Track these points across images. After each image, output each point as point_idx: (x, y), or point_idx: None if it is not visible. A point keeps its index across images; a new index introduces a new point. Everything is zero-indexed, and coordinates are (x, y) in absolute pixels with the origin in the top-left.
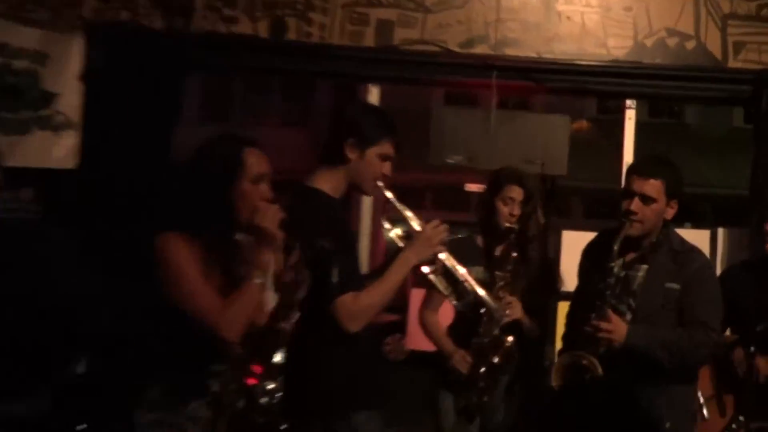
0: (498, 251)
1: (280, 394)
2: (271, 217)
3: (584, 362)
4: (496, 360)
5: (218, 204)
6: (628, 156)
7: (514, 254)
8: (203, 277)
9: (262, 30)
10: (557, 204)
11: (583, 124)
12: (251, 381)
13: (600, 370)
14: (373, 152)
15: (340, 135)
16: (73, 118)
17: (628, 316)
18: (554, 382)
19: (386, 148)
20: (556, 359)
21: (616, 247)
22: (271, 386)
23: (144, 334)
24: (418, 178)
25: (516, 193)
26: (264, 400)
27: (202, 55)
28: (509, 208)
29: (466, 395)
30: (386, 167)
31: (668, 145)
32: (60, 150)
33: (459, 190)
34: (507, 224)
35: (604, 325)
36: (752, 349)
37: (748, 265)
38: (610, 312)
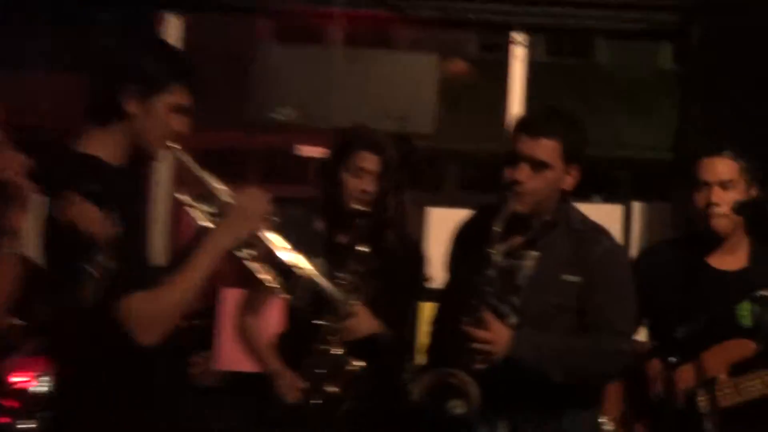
0: (342, 239)
1: None
2: (14, 166)
3: (453, 382)
4: (332, 389)
5: None
6: (516, 108)
7: (364, 248)
8: None
9: None
10: (421, 173)
11: (459, 65)
12: (3, 420)
13: (476, 391)
14: (161, 102)
15: (115, 82)
16: None
17: (513, 320)
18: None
19: (179, 96)
20: (416, 378)
21: (497, 229)
22: (29, 426)
23: None
24: (235, 139)
25: (370, 162)
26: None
27: None
28: (360, 183)
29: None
30: (181, 122)
31: (573, 94)
32: None
33: (291, 156)
34: (356, 205)
35: (480, 333)
36: (672, 359)
37: (672, 245)
38: (488, 315)
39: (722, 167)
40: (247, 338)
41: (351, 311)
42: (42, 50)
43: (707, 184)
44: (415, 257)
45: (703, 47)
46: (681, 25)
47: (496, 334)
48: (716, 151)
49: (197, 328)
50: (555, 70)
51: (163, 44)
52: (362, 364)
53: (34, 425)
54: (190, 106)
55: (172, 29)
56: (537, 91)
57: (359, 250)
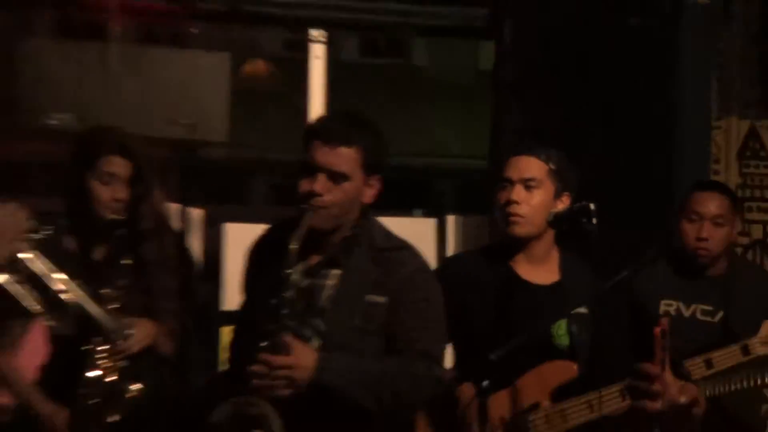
0: (99, 255)
1: None
2: None
3: (254, 411)
4: (113, 418)
5: None
6: (317, 112)
7: (127, 259)
8: None
9: None
10: (216, 184)
11: (260, 65)
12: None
13: (278, 421)
14: None
15: None
16: None
17: (316, 343)
18: None
19: None
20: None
21: (294, 246)
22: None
23: None
24: (11, 149)
25: (119, 166)
26: None
27: None
28: (110, 190)
29: None
30: None
31: (388, 98)
32: None
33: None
34: (110, 214)
35: (279, 359)
36: (485, 383)
37: (477, 255)
38: (290, 339)
39: (527, 166)
40: (7, 378)
41: (122, 331)
42: None
43: (510, 182)
44: (183, 267)
45: (516, 46)
46: (489, 21)
47: (299, 359)
48: (525, 150)
49: None
50: (369, 71)
51: None
52: (140, 386)
53: None
54: None
55: None
56: (346, 95)
57: (120, 264)
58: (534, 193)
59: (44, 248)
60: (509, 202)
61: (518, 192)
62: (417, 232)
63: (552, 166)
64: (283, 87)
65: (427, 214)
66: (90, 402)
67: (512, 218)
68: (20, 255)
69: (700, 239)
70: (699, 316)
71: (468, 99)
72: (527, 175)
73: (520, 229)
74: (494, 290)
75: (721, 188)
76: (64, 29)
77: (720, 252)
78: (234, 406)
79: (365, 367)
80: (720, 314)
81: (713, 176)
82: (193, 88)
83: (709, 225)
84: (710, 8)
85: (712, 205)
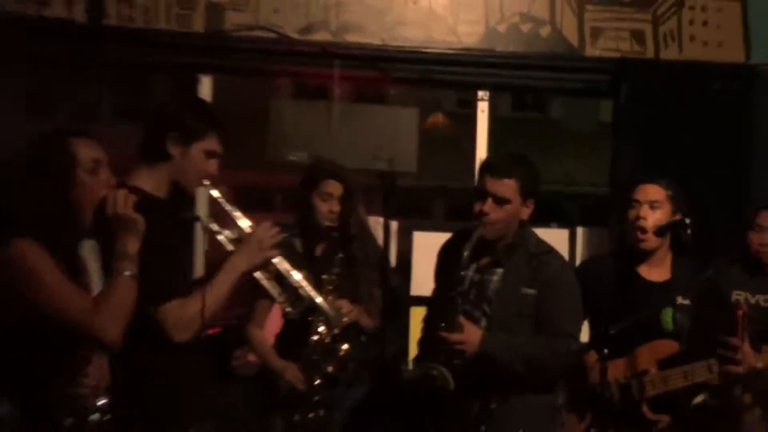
0: (319, 252)
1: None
2: (122, 201)
3: (434, 373)
4: (330, 370)
5: (58, 205)
6: (482, 152)
7: (340, 255)
8: (66, 281)
9: (78, 13)
10: (407, 203)
11: (439, 117)
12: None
13: (451, 381)
14: (197, 148)
15: (161, 129)
16: None
17: (483, 323)
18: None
19: (212, 143)
20: (410, 366)
21: (467, 253)
22: (102, 401)
23: None
24: (259, 177)
25: (334, 188)
26: (94, 417)
27: (10, 41)
28: (327, 205)
29: (301, 412)
30: (212, 165)
31: (532, 141)
32: None
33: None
34: (327, 222)
35: (454, 336)
36: (605, 351)
37: (608, 258)
38: (462, 320)
39: (652, 191)
40: (253, 344)
41: (334, 309)
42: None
43: (638, 203)
44: (378, 261)
45: (629, 103)
46: (611, 83)
47: (468, 336)
48: (649, 179)
49: (237, 326)
50: (519, 122)
51: (200, 101)
52: (347, 347)
53: (104, 400)
54: (221, 151)
55: (205, 87)
56: (504, 139)
57: (337, 256)
58: (656, 212)
59: (282, 249)
60: (638, 218)
61: (645, 210)
62: (554, 239)
63: (670, 192)
64: (456, 133)
65: (561, 227)
66: (313, 358)
67: (641, 236)
68: (271, 259)
69: (762, 245)
70: (761, 303)
71: (592, 142)
72: (652, 198)
73: (646, 245)
74: (619, 285)
75: None
76: (301, 91)
77: None
78: (422, 368)
79: (518, 342)
80: None
81: None
82: (391, 133)
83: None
84: None
85: None
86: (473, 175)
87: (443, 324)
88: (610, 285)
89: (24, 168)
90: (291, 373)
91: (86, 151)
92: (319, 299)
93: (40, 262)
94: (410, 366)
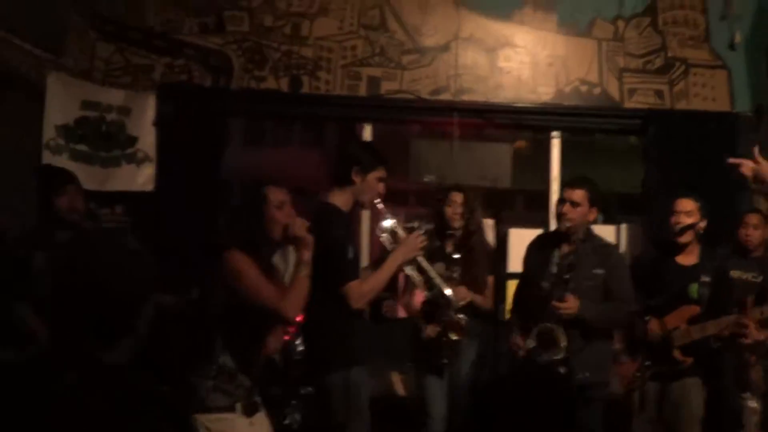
0: (449, 248)
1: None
2: (299, 227)
3: (552, 329)
4: (453, 336)
5: (257, 228)
6: (555, 168)
7: (462, 247)
8: (264, 279)
9: (284, 85)
10: (503, 206)
11: (522, 143)
12: (286, 337)
13: (564, 337)
14: (372, 176)
15: (348, 164)
16: (150, 154)
17: (569, 294)
18: (531, 344)
19: (381, 172)
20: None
21: (558, 252)
22: (299, 345)
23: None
24: (405, 186)
25: (457, 197)
26: (296, 357)
27: (240, 104)
28: (452, 209)
29: (435, 357)
30: (381, 187)
31: (586, 156)
32: (141, 177)
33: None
34: (454, 224)
35: (564, 304)
36: (646, 318)
37: (653, 250)
38: (569, 294)
39: (687, 204)
40: (407, 308)
41: (456, 295)
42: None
43: (678, 212)
44: (489, 251)
45: (654, 138)
46: (641, 125)
47: (572, 304)
48: (685, 194)
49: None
50: (576, 143)
51: (372, 144)
52: (465, 317)
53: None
54: (387, 177)
55: (367, 131)
56: (567, 155)
57: (461, 248)
58: (690, 218)
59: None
60: (678, 223)
61: (684, 218)
62: (604, 233)
63: (699, 204)
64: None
65: (605, 222)
66: (441, 323)
67: (680, 237)
68: (417, 258)
69: (747, 236)
70: (750, 279)
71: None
72: (687, 209)
73: (683, 240)
74: (662, 269)
75: (760, 213)
76: (431, 134)
77: (759, 244)
78: (541, 327)
79: (600, 308)
80: (760, 278)
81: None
82: (493, 161)
83: (752, 229)
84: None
85: (754, 218)
86: (546, 182)
87: (557, 295)
88: (651, 267)
89: (239, 204)
90: (430, 329)
91: (275, 195)
92: (445, 287)
93: (246, 266)
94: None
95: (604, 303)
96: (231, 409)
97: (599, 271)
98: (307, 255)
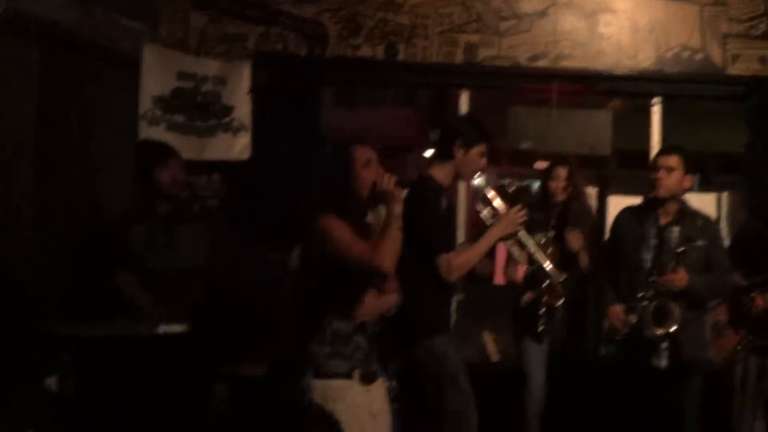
0: (552, 218)
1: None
2: (387, 182)
3: (670, 306)
4: (552, 302)
5: (346, 188)
6: (655, 135)
7: (564, 219)
8: (356, 237)
9: (379, 53)
10: (602, 176)
11: (617, 103)
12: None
13: (678, 311)
14: (474, 151)
15: (451, 137)
16: (246, 123)
17: (672, 265)
18: (632, 320)
19: (484, 148)
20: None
21: (656, 224)
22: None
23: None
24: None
25: (561, 171)
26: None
27: (335, 72)
28: (556, 183)
29: (533, 324)
30: (483, 163)
31: (687, 120)
32: (237, 146)
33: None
34: (557, 197)
35: (676, 277)
36: (752, 294)
37: (755, 226)
38: (681, 267)
39: None
40: (509, 279)
41: (555, 270)
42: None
43: None
44: (592, 222)
45: (756, 104)
46: (744, 92)
47: (682, 277)
48: None
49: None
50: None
51: (476, 118)
52: (565, 275)
53: None
54: (488, 152)
55: (463, 99)
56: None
57: (566, 217)
58: None
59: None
60: None
61: None
62: (704, 201)
63: None
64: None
65: (707, 190)
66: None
67: None
68: (518, 233)
69: None
70: None
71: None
72: None
73: None
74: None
75: None
76: (529, 101)
77: None
78: (663, 302)
79: (705, 279)
80: None
81: None
82: (592, 127)
83: None
84: None
85: None
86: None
87: (670, 266)
88: (763, 242)
89: (326, 166)
90: (527, 297)
91: (362, 153)
92: (545, 262)
93: (338, 228)
94: None
95: (707, 274)
96: (348, 375)
97: (701, 243)
98: (398, 209)
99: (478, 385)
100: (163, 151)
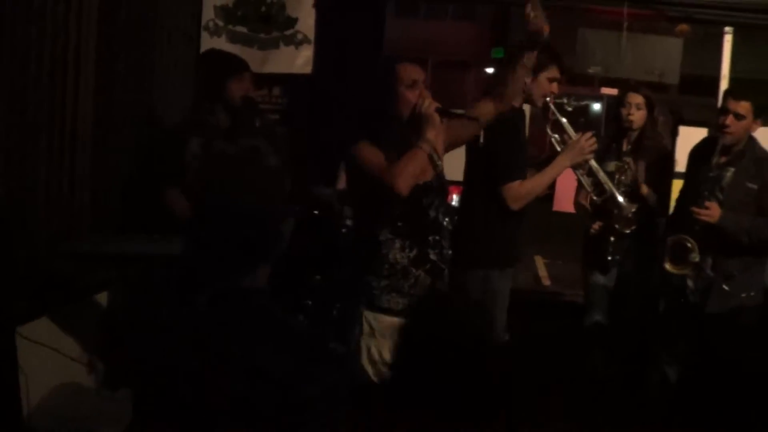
0: (624, 145)
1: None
2: (427, 105)
3: (688, 245)
4: (621, 230)
5: (386, 108)
6: (725, 65)
7: (638, 147)
8: (382, 158)
9: None
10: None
11: (684, 27)
12: None
13: (697, 250)
14: (543, 76)
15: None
16: (309, 36)
17: (716, 203)
18: (666, 258)
19: (554, 72)
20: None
21: (714, 158)
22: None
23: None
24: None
25: (633, 98)
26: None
27: None
28: (627, 110)
29: (600, 253)
30: (553, 87)
31: (759, 50)
32: (300, 60)
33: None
34: (630, 125)
35: (703, 210)
36: None
37: None
38: (710, 203)
39: None
40: (578, 209)
41: (626, 202)
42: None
43: None
44: (667, 152)
45: None
46: None
47: (713, 211)
48: None
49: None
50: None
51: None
52: (636, 205)
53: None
54: (559, 77)
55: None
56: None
57: (636, 145)
58: None
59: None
60: None
61: None
62: None
63: None
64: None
65: None
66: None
67: None
68: (588, 161)
69: None
70: None
71: None
72: None
73: None
74: None
75: None
76: (596, 23)
77: None
78: (678, 238)
79: (744, 220)
80: None
81: None
82: (660, 55)
83: None
84: None
85: None
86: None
87: (700, 201)
88: None
89: (371, 83)
90: (596, 226)
91: (407, 72)
92: (618, 196)
93: (369, 152)
94: None
95: (751, 216)
96: (403, 314)
97: (753, 186)
98: (432, 133)
99: (533, 311)
100: (237, 64)
